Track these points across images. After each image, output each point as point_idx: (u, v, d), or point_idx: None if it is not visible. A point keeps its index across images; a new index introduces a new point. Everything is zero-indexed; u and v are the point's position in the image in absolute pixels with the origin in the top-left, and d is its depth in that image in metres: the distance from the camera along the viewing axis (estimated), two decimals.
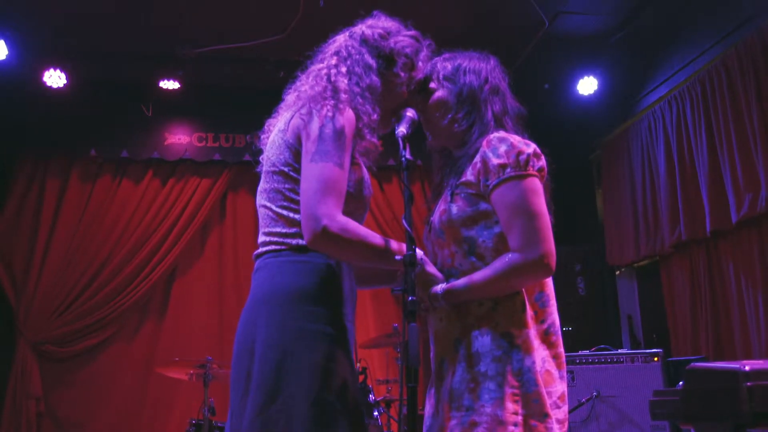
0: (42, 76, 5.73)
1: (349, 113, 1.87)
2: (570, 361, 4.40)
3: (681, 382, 2.08)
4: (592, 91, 6.03)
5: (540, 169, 1.89)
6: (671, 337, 5.37)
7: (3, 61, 5.38)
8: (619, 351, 4.50)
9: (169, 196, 6.38)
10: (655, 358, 4.34)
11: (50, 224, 6.14)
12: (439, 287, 1.88)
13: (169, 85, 5.95)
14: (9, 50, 5.34)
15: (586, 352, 4.49)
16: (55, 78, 5.76)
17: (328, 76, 1.95)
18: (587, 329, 5.77)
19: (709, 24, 5.02)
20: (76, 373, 5.99)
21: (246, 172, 6.19)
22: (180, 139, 6.40)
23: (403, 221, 1.72)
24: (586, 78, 5.98)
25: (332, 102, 1.86)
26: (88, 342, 6.03)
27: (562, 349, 1.91)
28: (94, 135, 6.28)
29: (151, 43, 5.72)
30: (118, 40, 5.67)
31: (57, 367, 5.96)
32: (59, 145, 6.27)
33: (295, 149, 1.89)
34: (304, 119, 1.87)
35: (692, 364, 1.94)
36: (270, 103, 2.14)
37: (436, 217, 2.00)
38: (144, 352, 6.13)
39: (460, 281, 1.87)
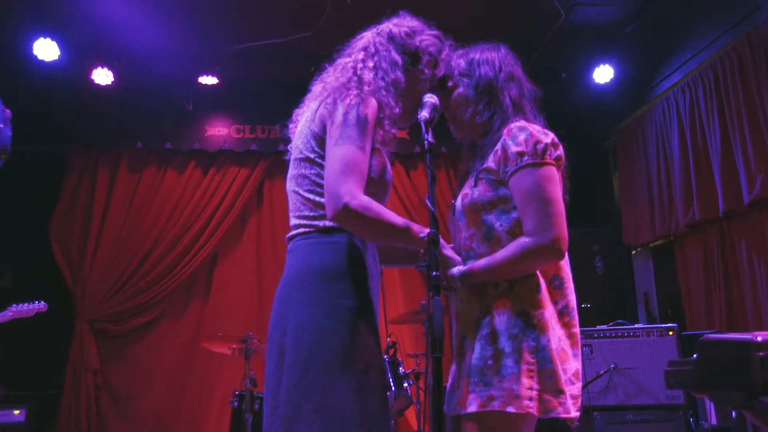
0: (90, 74, 5.79)
1: (372, 102, 1.87)
2: (589, 336, 4.37)
3: (695, 354, 2.06)
4: (607, 80, 5.94)
5: (557, 158, 1.86)
6: (686, 313, 5.30)
7: (54, 61, 5.46)
8: (636, 326, 4.45)
9: (210, 184, 6.44)
10: (670, 333, 4.29)
11: (102, 212, 6.24)
12: (456, 269, 1.87)
13: (208, 80, 5.99)
14: (60, 51, 5.42)
15: (604, 326, 4.46)
16: (102, 76, 5.82)
17: (355, 69, 1.94)
18: (605, 306, 5.72)
19: (721, 12, 4.91)
20: (129, 349, 6.11)
21: (281, 161, 6.15)
22: (219, 131, 6.45)
23: (427, 201, 1.71)
24: (601, 67, 5.89)
25: (356, 92, 1.86)
26: (139, 320, 6.14)
27: (577, 329, 1.89)
28: (140, 128, 6.35)
29: (192, 41, 5.75)
30: (161, 39, 5.71)
31: (112, 343, 6.08)
32: (108, 139, 6.34)
33: (320, 137, 1.90)
34: (329, 108, 1.88)
35: (706, 335, 1.91)
36: (301, 96, 2.14)
37: (458, 201, 1.99)
38: (190, 329, 6.22)
39: (477, 263, 1.86)
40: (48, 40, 5.34)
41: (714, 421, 3.99)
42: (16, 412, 5.10)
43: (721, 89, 4.75)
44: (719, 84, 4.78)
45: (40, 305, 4.01)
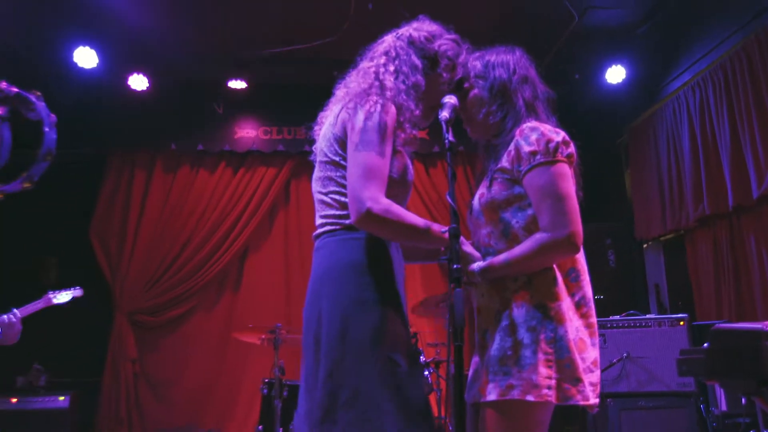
0: (127, 80, 5.86)
1: (392, 108, 1.86)
2: (602, 326, 4.33)
3: (706, 343, 2.03)
4: (620, 80, 5.88)
5: (569, 156, 1.85)
6: (696, 305, 5.23)
7: (93, 68, 5.53)
8: (648, 316, 4.41)
9: (239, 183, 6.48)
10: (681, 323, 4.24)
11: (139, 211, 6.31)
12: (476, 265, 1.87)
13: (237, 84, 6.02)
14: (98, 59, 5.48)
15: (617, 317, 4.42)
16: (138, 82, 5.89)
17: (377, 74, 1.94)
18: (618, 297, 5.67)
19: (730, 13, 4.83)
20: (165, 339, 6.17)
21: (306, 161, 6.18)
22: (248, 132, 6.49)
23: (447, 197, 1.71)
24: (614, 67, 5.83)
25: (375, 98, 1.86)
26: (174, 312, 6.20)
27: (594, 319, 1.88)
28: (173, 131, 6.40)
29: (221, 48, 5.79)
30: (192, 46, 5.76)
31: (149, 334, 6.15)
32: (144, 141, 6.41)
33: (342, 141, 1.90)
34: (350, 113, 1.88)
35: (717, 324, 1.89)
36: (325, 99, 2.15)
37: (476, 200, 1.99)
38: (222, 320, 6.27)
39: (496, 259, 1.86)
40: (87, 48, 5.41)
41: (724, 407, 3.94)
42: (61, 398, 5.20)
43: (731, 88, 4.67)
44: (729, 83, 4.70)
45: (76, 291, 4.03)
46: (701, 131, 5.01)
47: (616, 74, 5.85)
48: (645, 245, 6.15)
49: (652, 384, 4.21)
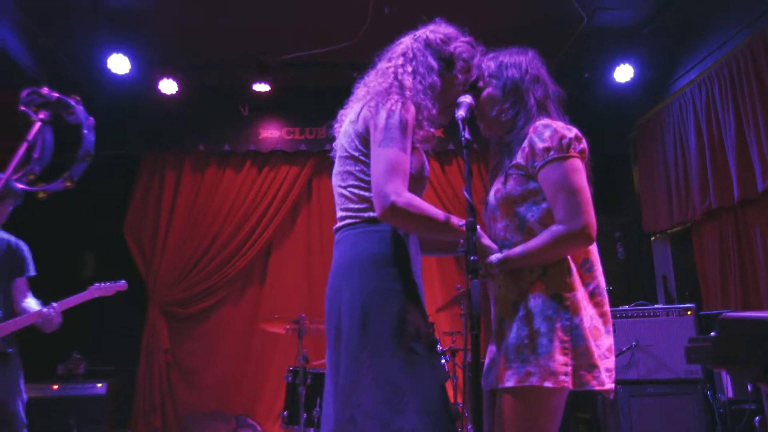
0: (157, 84, 5.90)
1: (411, 107, 1.86)
2: (612, 315, 4.27)
3: (714, 331, 2.02)
4: (628, 78, 5.82)
5: (581, 151, 1.85)
6: (702, 296, 5.18)
7: (126, 74, 5.58)
8: (656, 306, 4.37)
9: (264, 181, 6.51)
10: (689, 312, 4.20)
11: (169, 209, 6.36)
12: (494, 257, 1.86)
13: (261, 88, 6.04)
14: (131, 65, 5.54)
15: (626, 307, 4.39)
16: (168, 86, 5.92)
17: (396, 74, 1.94)
18: (627, 288, 5.62)
19: (735, 12, 4.76)
20: (195, 329, 6.22)
21: (327, 160, 6.19)
22: (272, 133, 6.51)
23: (464, 192, 1.71)
24: (622, 66, 5.77)
25: (396, 97, 1.86)
26: (203, 304, 6.25)
27: (607, 308, 1.87)
28: (201, 133, 6.44)
29: (246, 53, 5.81)
30: (219, 51, 5.79)
31: (180, 325, 6.21)
32: (174, 142, 6.46)
33: (363, 137, 1.90)
34: (372, 111, 1.87)
35: (724, 313, 1.87)
36: (345, 99, 2.15)
37: (491, 196, 1.99)
38: (248, 311, 6.31)
39: (513, 251, 1.85)
40: (120, 55, 5.47)
41: (730, 394, 3.90)
42: (99, 385, 5.28)
43: (736, 85, 4.61)
44: (734, 80, 4.64)
45: (121, 284, 4.05)
46: (707, 127, 4.95)
47: (624, 73, 5.79)
48: (653, 238, 6.10)
49: (661, 371, 4.18)
